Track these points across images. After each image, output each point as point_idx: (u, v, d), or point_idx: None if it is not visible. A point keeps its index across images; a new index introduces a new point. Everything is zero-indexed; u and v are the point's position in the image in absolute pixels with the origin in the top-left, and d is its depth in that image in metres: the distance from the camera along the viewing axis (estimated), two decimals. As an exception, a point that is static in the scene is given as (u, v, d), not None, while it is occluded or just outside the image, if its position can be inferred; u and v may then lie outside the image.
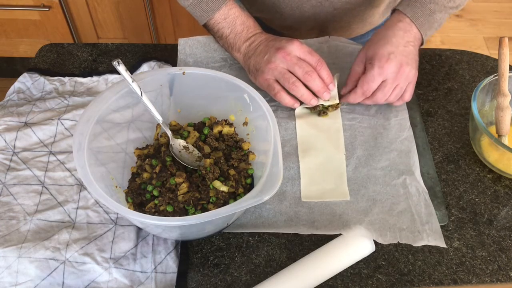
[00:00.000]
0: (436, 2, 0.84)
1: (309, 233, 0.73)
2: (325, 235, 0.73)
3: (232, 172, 0.73)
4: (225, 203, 0.70)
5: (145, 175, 0.74)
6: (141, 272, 0.69)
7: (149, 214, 0.69)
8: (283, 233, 0.74)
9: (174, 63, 0.95)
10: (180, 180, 0.71)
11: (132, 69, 0.93)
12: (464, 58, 1.00)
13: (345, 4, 0.99)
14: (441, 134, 0.87)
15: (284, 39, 0.84)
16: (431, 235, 0.72)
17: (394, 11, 0.87)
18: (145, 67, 0.93)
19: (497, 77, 0.82)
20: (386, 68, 0.80)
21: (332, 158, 0.82)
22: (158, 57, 0.97)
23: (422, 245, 0.72)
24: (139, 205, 0.73)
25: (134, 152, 0.78)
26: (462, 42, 2.41)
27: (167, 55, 0.98)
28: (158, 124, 0.79)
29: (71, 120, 0.83)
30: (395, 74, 0.81)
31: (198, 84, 0.78)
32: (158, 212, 0.70)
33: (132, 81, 0.71)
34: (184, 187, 0.70)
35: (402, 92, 0.84)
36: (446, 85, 0.95)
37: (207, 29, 0.90)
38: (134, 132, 0.79)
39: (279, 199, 0.77)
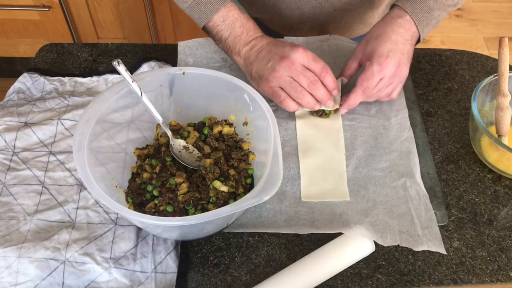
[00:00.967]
0: None
1: (309, 233, 0.73)
2: (325, 235, 0.73)
3: (232, 172, 0.73)
4: (225, 203, 0.70)
5: (145, 175, 0.74)
6: (141, 272, 0.69)
7: (149, 214, 0.69)
8: (283, 233, 0.74)
9: (174, 63, 0.95)
10: (180, 180, 0.71)
11: (132, 69, 0.93)
12: (464, 58, 1.00)
13: (345, 5, 0.99)
14: (441, 134, 0.87)
15: (288, 44, 0.82)
16: (431, 240, 0.72)
17: (393, 6, 0.87)
18: (145, 67, 0.93)
19: (497, 77, 0.82)
20: (385, 66, 0.80)
21: (332, 158, 0.82)
22: (158, 57, 0.97)
23: (422, 246, 0.72)
24: (139, 205, 0.73)
25: (134, 152, 0.78)
26: (462, 42, 2.41)
27: (167, 55, 0.98)
28: (158, 124, 0.79)
29: (71, 120, 0.83)
30: (392, 73, 0.81)
31: (198, 84, 0.78)
32: (158, 212, 0.70)
33: (132, 81, 0.71)
34: (184, 187, 0.70)
35: (394, 90, 0.85)
36: (446, 85, 0.95)
37: (206, 32, 0.88)
38: (134, 132, 0.79)
39: (279, 199, 0.77)
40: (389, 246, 0.73)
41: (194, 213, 0.70)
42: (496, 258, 0.72)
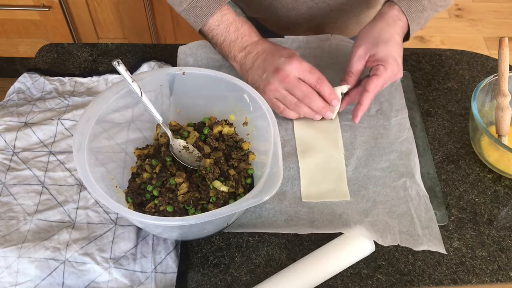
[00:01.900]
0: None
1: (309, 233, 0.73)
2: (325, 235, 0.73)
3: (232, 172, 0.73)
4: (225, 203, 0.70)
5: (145, 175, 0.74)
6: (141, 272, 0.69)
7: (149, 214, 0.69)
8: (283, 233, 0.74)
9: (174, 63, 0.95)
10: (180, 180, 0.71)
11: (132, 69, 0.93)
12: (464, 58, 1.00)
13: (341, 6, 0.99)
14: (441, 134, 0.87)
15: (283, 54, 0.80)
16: (431, 240, 0.72)
17: (389, 2, 0.86)
18: (145, 67, 0.93)
19: (497, 77, 0.82)
20: (397, 72, 0.82)
21: (331, 158, 0.82)
22: (158, 57, 0.97)
23: (422, 246, 0.72)
24: (139, 205, 0.73)
25: (134, 152, 0.78)
26: (462, 42, 2.41)
27: (167, 55, 0.98)
28: (158, 124, 0.79)
29: (71, 120, 0.83)
30: (394, 75, 0.83)
31: (198, 84, 0.78)
32: (158, 212, 0.70)
33: (132, 81, 0.71)
34: (184, 187, 0.70)
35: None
36: (446, 85, 0.95)
37: (203, 35, 0.87)
38: (134, 132, 0.79)
39: (279, 199, 0.77)
40: (389, 246, 0.73)
41: (194, 213, 0.70)
42: (496, 258, 0.72)
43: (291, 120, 0.87)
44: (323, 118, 0.86)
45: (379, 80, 0.81)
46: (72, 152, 0.71)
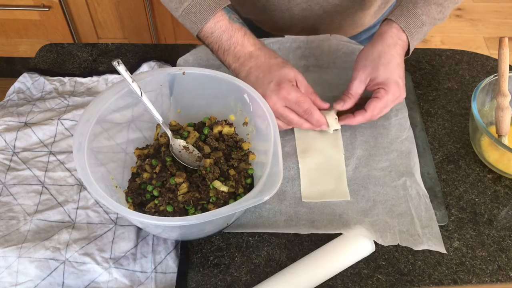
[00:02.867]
0: (428, 14, 0.83)
1: (309, 233, 0.73)
2: (325, 235, 0.73)
3: (232, 172, 0.73)
4: (225, 203, 0.70)
5: (145, 175, 0.74)
6: (141, 272, 0.69)
7: (149, 214, 0.69)
8: (283, 233, 0.74)
9: (174, 63, 0.95)
10: (180, 180, 0.71)
11: (132, 69, 0.93)
12: (464, 58, 1.00)
13: (335, 7, 0.98)
14: (441, 134, 0.87)
15: (274, 78, 0.78)
16: (431, 240, 0.72)
17: (387, 19, 0.85)
18: (145, 67, 0.93)
19: (497, 77, 0.82)
20: (398, 95, 0.81)
21: (331, 158, 0.82)
22: (158, 57, 0.97)
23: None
24: (139, 205, 0.73)
25: (134, 152, 0.78)
26: (462, 42, 2.41)
27: (167, 55, 0.98)
28: (158, 124, 0.79)
29: (71, 120, 0.83)
30: (396, 98, 0.82)
31: (198, 84, 0.78)
32: (158, 212, 0.70)
33: (132, 81, 0.71)
34: (184, 187, 0.70)
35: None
36: (446, 85, 0.95)
37: (201, 41, 0.85)
38: (134, 132, 0.79)
39: (279, 199, 0.77)
40: (389, 246, 0.73)
41: (194, 213, 0.70)
42: (496, 258, 0.72)
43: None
44: None
45: (378, 103, 0.80)
46: (72, 152, 0.71)
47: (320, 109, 0.81)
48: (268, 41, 0.96)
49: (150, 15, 1.79)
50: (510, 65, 0.83)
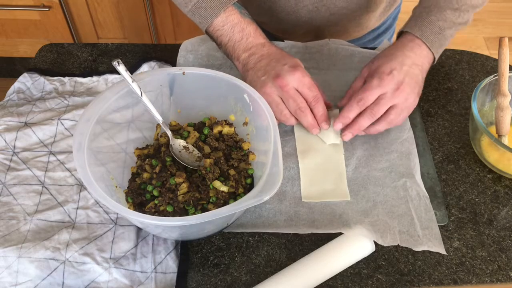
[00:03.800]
0: (444, 19, 0.82)
1: (309, 232, 0.73)
2: (325, 235, 0.73)
3: (232, 172, 0.73)
4: (225, 203, 0.70)
5: (145, 175, 0.74)
6: (141, 272, 0.69)
7: (149, 214, 0.69)
8: (283, 233, 0.74)
9: (174, 63, 0.95)
10: (180, 180, 0.71)
11: (132, 69, 0.93)
12: (464, 58, 1.00)
13: (341, 10, 0.99)
14: (441, 134, 0.87)
15: (288, 62, 0.79)
16: (431, 241, 0.72)
17: (401, 33, 0.85)
18: (145, 67, 0.93)
19: (497, 77, 0.82)
20: (386, 81, 0.78)
21: (331, 158, 0.82)
22: (158, 57, 0.97)
23: (422, 246, 0.72)
24: (139, 205, 0.73)
25: (134, 152, 0.78)
26: (462, 42, 2.41)
27: (167, 55, 0.98)
28: (158, 124, 0.79)
29: (71, 120, 0.83)
30: (393, 91, 0.78)
31: (198, 84, 0.78)
32: (158, 212, 0.70)
33: (132, 81, 0.71)
34: (184, 187, 0.70)
35: (401, 114, 0.80)
36: (446, 85, 0.95)
37: (209, 36, 0.86)
38: (134, 132, 0.79)
39: (279, 199, 0.77)
40: (389, 246, 0.73)
41: (194, 213, 0.70)
42: (496, 258, 0.72)
43: (291, 120, 0.87)
44: None
45: (364, 87, 0.79)
46: (72, 152, 0.71)
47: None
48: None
49: (150, 15, 1.79)
50: (510, 65, 0.83)
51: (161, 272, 0.69)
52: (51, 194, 0.75)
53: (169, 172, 0.72)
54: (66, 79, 0.93)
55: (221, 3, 0.81)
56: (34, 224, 0.72)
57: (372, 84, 0.78)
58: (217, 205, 0.70)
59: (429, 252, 0.72)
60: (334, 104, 0.87)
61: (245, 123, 0.79)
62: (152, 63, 0.94)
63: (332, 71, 0.95)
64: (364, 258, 0.71)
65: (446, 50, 1.02)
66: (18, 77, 0.93)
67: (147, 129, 0.80)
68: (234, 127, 0.78)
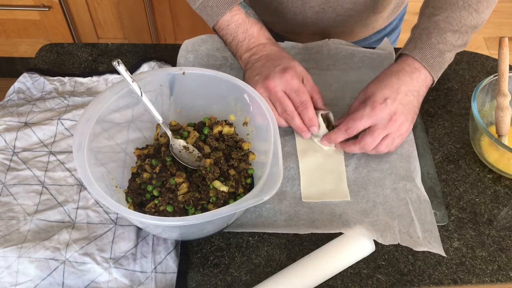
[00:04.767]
0: (445, 42, 0.80)
1: (309, 233, 0.73)
2: (325, 235, 0.73)
3: (232, 172, 0.73)
4: (225, 203, 0.70)
5: (145, 175, 0.74)
6: (141, 272, 0.69)
7: (149, 214, 0.69)
8: (283, 233, 0.74)
9: (174, 63, 0.95)
10: (180, 180, 0.71)
11: (132, 69, 0.93)
12: (464, 58, 1.00)
13: (348, 11, 0.99)
14: (441, 134, 0.87)
15: (282, 64, 0.79)
16: (431, 243, 0.72)
17: (401, 55, 0.83)
18: (145, 67, 0.93)
19: (497, 77, 0.82)
20: (378, 111, 0.76)
21: (331, 159, 0.82)
22: (158, 57, 0.97)
23: (422, 245, 0.72)
24: (139, 205, 0.73)
25: (134, 152, 0.78)
26: (462, 42, 2.41)
27: (167, 55, 0.98)
28: (158, 124, 0.79)
29: (71, 120, 0.83)
30: (386, 121, 0.77)
31: (198, 84, 0.78)
32: (158, 212, 0.70)
33: (132, 81, 0.71)
34: (184, 187, 0.70)
35: (393, 143, 0.79)
36: (446, 85, 0.95)
37: (216, 33, 0.88)
38: (134, 132, 0.79)
39: (279, 199, 0.77)
40: (389, 246, 0.73)
41: (194, 213, 0.70)
42: (496, 258, 0.72)
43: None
44: None
45: (354, 115, 0.78)
46: (72, 152, 0.71)
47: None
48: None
49: (150, 15, 1.79)
50: (510, 65, 0.83)
51: (161, 272, 0.69)
52: (51, 194, 0.75)
53: (169, 172, 0.72)
54: (66, 79, 0.93)
55: (226, 3, 0.82)
56: (34, 224, 0.72)
57: (363, 113, 0.77)
58: (217, 205, 0.70)
59: (429, 252, 0.72)
60: (334, 105, 0.87)
61: (245, 123, 0.79)
62: (152, 63, 0.94)
63: (332, 71, 0.95)
64: (364, 258, 0.71)
65: (446, 50, 1.02)
66: (18, 77, 0.93)
67: (147, 129, 0.80)
68: (234, 127, 0.78)
